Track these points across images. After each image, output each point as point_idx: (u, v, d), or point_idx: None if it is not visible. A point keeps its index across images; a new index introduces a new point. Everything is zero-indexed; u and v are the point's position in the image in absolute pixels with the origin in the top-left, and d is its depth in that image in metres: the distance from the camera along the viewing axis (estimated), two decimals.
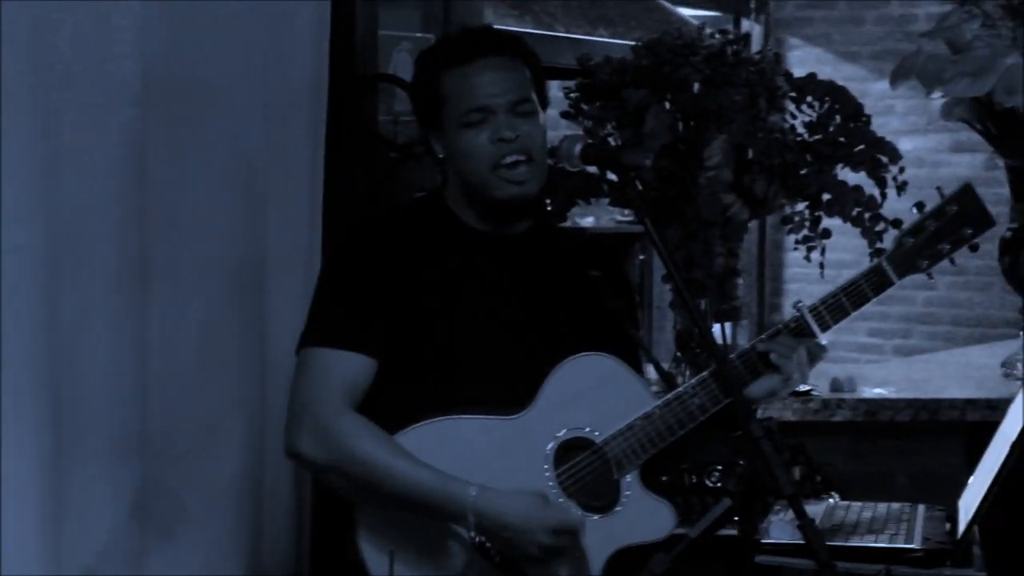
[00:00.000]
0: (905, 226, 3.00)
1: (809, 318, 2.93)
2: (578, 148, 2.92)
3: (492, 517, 2.75)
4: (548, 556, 2.78)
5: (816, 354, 2.94)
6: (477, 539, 2.76)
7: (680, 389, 2.89)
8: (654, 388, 3.06)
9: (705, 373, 2.90)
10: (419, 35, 3.93)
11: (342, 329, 2.86)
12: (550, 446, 2.86)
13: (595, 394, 2.88)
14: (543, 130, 2.93)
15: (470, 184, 2.92)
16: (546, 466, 2.85)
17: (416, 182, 3.78)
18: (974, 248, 3.08)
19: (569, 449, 2.87)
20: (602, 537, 2.86)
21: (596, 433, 2.88)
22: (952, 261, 3.05)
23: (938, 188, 3.05)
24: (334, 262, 3.01)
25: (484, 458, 2.80)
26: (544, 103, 2.96)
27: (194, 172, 3.11)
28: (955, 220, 2.98)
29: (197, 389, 3.14)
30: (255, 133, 3.29)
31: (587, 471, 2.87)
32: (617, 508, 2.88)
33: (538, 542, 2.75)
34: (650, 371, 3.15)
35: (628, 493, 2.88)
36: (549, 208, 3.76)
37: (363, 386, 2.85)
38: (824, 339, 2.95)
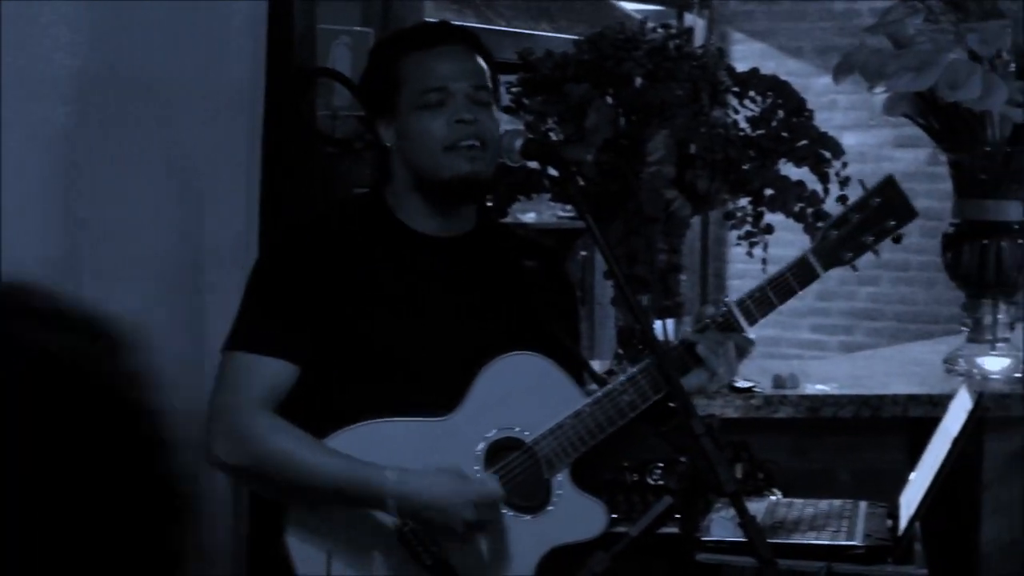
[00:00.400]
0: (830, 219, 3.04)
1: (736, 312, 2.95)
2: (519, 143, 2.92)
3: (412, 498, 2.74)
4: (471, 531, 2.79)
5: (744, 348, 2.96)
6: (400, 529, 2.75)
7: (610, 386, 2.90)
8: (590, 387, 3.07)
9: (634, 370, 2.91)
10: (358, 29, 3.94)
11: (264, 334, 2.85)
12: (480, 447, 2.87)
13: (525, 393, 2.89)
14: (497, 123, 2.95)
15: (419, 169, 2.91)
16: (476, 467, 2.86)
17: (355, 178, 3.78)
18: (897, 240, 3.13)
19: (499, 449, 2.88)
20: (534, 537, 2.87)
21: (526, 433, 2.88)
22: (876, 252, 3.09)
23: (860, 181, 3.09)
24: (263, 263, 3.00)
25: (412, 461, 2.80)
26: (498, 99, 2.99)
27: (128, 170, 3.10)
28: (878, 212, 3.01)
29: None
30: (191, 129, 3.28)
31: (517, 471, 2.87)
32: (549, 508, 2.89)
33: (461, 517, 2.76)
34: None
35: (559, 492, 2.89)
36: (490, 204, 3.76)
37: (283, 392, 2.84)
38: (752, 333, 2.98)
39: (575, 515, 2.89)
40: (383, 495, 2.75)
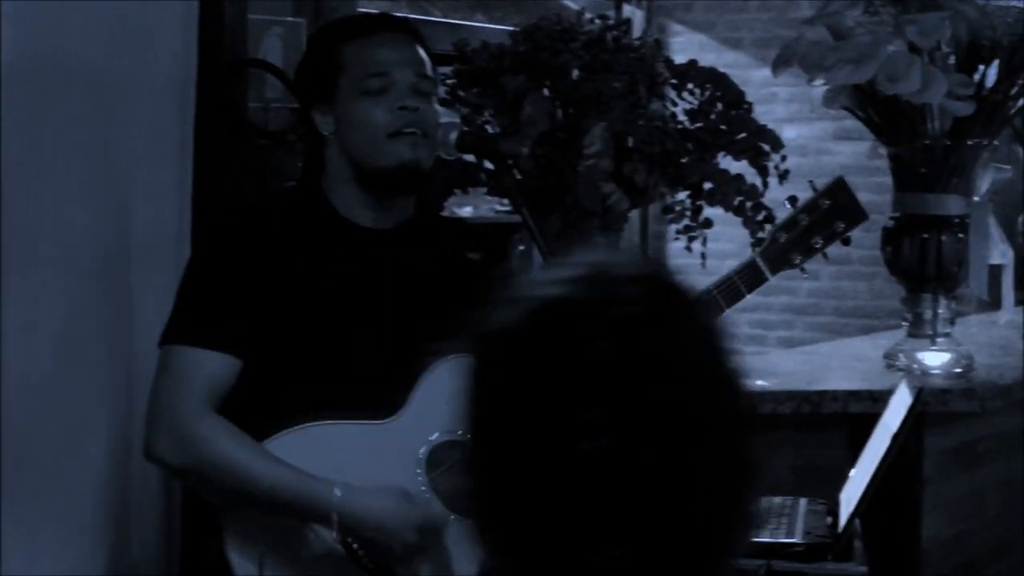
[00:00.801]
0: (778, 221, 3.05)
1: None
2: (454, 136, 2.93)
3: (356, 517, 2.74)
4: (412, 554, 2.78)
5: None
6: (342, 540, 2.75)
7: None
8: None
9: None
10: (290, 20, 3.92)
11: (205, 327, 2.84)
12: (422, 450, 2.86)
13: None
14: (438, 115, 2.95)
15: (359, 157, 2.90)
16: (419, 471, 2.85)
17: (287, 170, 3.76)
18: (846, 242, 3.13)
19: (443, 453, 2.88)
20: None
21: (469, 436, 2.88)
22: (825, 255, 3.10)
23: (810, 182, 3.11)
24: (200, 255, 2.98)
25: (354, 464, 2.79)
26: (437, 91, 3.00)
27: (54, 161, 3.07)
28: (828, 214, 3.02)
29: (57, 387, 3.10)
30: (120, 121, 3.25)
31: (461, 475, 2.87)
32: None
33: (403, 540, 2.76)
34: None
35: None
36: (426, 197, 3.75)
37: (226, 387, 2.83)
38: None
39: None
40: (328, 511, 2.74)
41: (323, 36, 3.05)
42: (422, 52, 2.97)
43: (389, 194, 2.94)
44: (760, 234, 3.86)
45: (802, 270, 3.09)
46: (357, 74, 2.90)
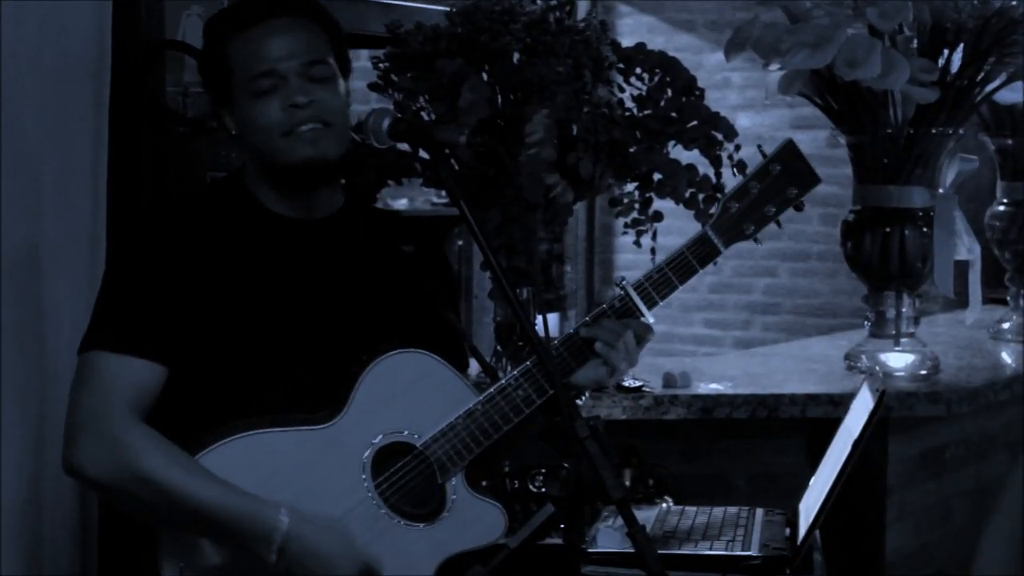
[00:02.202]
0: (728, 190, 3.06)
1: (634, 296, 2.97)
2: (387, 123, 2.92)
3: (302, 545, 2.74)
4: None
5: (643, 335, 2.97)
6: (283, 566, 2.74)
7: (503, 382, 2.91)
8: (476, 380, 3.07)
9: (528, 363, 2.92)
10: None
11: (129, 332, 2.81)
12: (366, 454, 2.86)
13: (412, 394, 2.89)
14: (342, 97, 2.93)
15: (262, 156, 2.90)
16: (363, 476, 2.85)
17: (209, 159, 3.75)
18: (799, 208, 3.15)
19: (388, 455, 2.87)
20: (429, 547, 2.87)
21: (416, 436, 2.88)
22: (778, 223, 3.12)
23: (759, 147, 3.12)
24: (121, 255, 2.97)
25: (296, 474, 2.79)
26: (345, 70, 2.97)
27: None
28: (779, 180, 3.04)
29: None
30: (29, 109, 3.23)
31: (408, 478, 2.87)
32: (443, 515, 2.89)
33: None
34: (473, 362, 3.16)
35: (454, 498, 2.89)
36: (357, 188, 3.74)
37: (152, 395, 2.81)
38: (651, 317, 2.99)
39: (472, 521, 2.90)
40: (271, 535, 2.73)
41: (211, 31, 3.02)
42: (318, 32, 2.94)
43: (300, 188, 2.94)
44: None
45: (756, 240, 3.11)
46: (244, 76, 2.90)
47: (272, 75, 2.87)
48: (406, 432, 2.89)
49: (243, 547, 2.75)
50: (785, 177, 3.04)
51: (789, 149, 3.06)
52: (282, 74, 2.87)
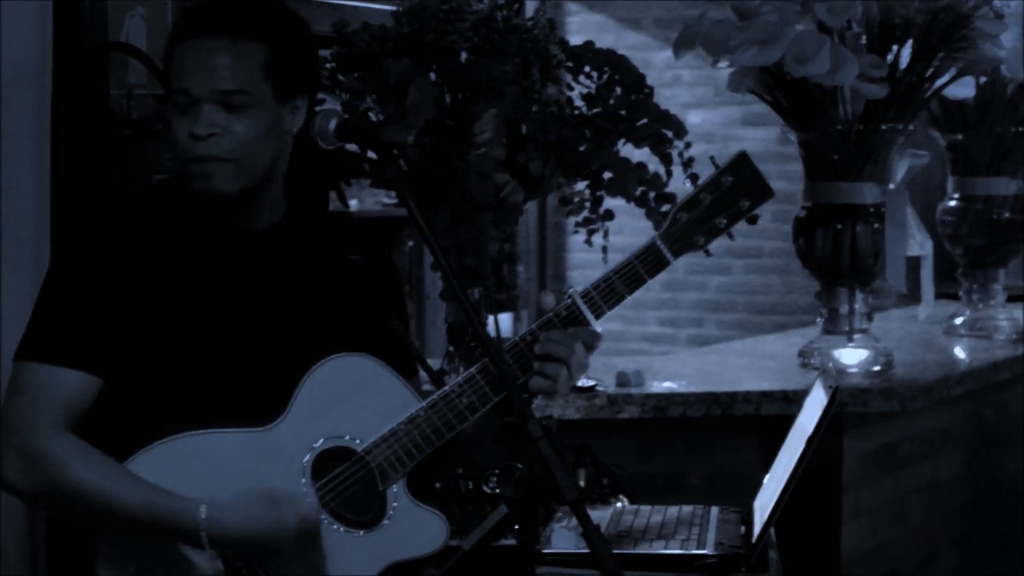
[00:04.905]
0: (679, 200, 3.05)
1: (582, 305, 2.96)
2: (333, 124, 2.89)
3: (227, 533, 2.73)
4: (292, 557, 2.77)
5: (591, 343, 2.97)
6: (222, 558, 2.73)
7: (446, 388, 2.89)
8: (425, 387, 3.06)
9: (473, 369, 2.90)
10: (153, 0, 3.89)
11: (61, 343, 2.79)
12: (306, 458, 2.85)
13: (354, 398, 2.87)
14: (257, 129, 2.84)
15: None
16: (303, 480, 2.84)
17: (153, 162, 3.74)
18: (752, 221, 3.14)
19: (328, 460, 2.86)
20: (369, 555, 2.86)
21: (357, 441, 2.87)
22: (730, 236, 3.11)
23: (711, 158, 3.11)
24: (58, 264, 2.94)
25: (232, 477, 2.77)
26: (288, 92, 2.88)
27: None
28: (731, 192, 3.02)
29: None
30: None
31: (349, 483, 2.86)
32: (384, 522, 2.88)
33: (281, 545, 2.75)
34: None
35: (395, 504, 2.88)
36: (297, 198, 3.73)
37: (83, 406, 2.79)
38: (599, 325, 2.98)
39: (413, 529, 2.88)
40: (196, 531, 2.72)
41: (172, 29, 2.99)
42: (256, 56, 2.84)
43: (225, 206, 2.91)
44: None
45: (707, 252, 3.09)
46: (170, 88, 2.87)
47: (186, 94, 2.82)
48: (347, 437, 2.87)
49: (176, 545, 2.74)
50: (737, 189, 3.02)
51: (742, 161, 3.05)
52: (195, 97, 2.81)
